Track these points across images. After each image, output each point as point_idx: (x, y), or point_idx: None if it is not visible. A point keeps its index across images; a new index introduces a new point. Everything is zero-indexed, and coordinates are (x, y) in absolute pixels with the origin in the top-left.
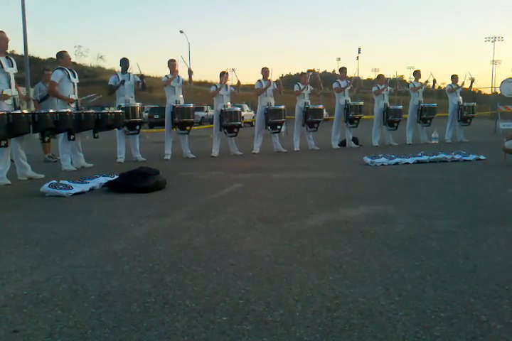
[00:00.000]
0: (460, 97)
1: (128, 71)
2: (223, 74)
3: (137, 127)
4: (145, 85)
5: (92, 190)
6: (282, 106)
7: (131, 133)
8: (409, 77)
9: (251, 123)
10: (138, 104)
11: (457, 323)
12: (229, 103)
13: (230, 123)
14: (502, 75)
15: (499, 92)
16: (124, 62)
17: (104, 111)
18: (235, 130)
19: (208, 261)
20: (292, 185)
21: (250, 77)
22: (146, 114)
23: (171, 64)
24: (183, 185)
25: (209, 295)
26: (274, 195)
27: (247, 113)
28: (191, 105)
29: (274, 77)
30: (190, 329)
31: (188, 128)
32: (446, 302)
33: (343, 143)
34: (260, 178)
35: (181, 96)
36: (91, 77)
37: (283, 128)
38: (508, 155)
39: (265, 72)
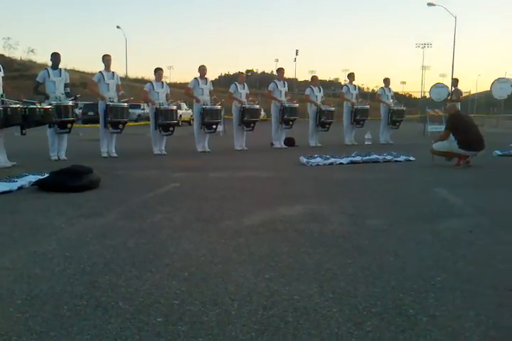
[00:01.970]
0: (391, 101)
1: (59, 67)
2: (158, 71)
3: (69, 126)
4: (72, 96)
5: (20, 188)
6: (219, 107)
7: (62, 132)
8: (343, 79)
9: (189, 122)
10: (70, 102)
11: (387, 318)
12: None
13: (165, 121)
14: (431, 80)
15: (428, 96)
16: (56, 57)
17: (32, 106)
18: (171, 128)
19: (142, 262)
20: (230, 184)
21: (187, 74)
22: (80, 110)
23: (106, 59)
24: (117, 183)
25: (143, 296)
26: (211, 194)
27: (185, 111)
28: (125, 104)
29: (211, 76)
30: (124, 332)
31: (121, 127)
32: (377, 298)
33: (288, 143)
34: (198, 177)
35: (122, 92)
36: (21, 71)
37: (220, 128)
38: (435, 157)
39: (202, 70)
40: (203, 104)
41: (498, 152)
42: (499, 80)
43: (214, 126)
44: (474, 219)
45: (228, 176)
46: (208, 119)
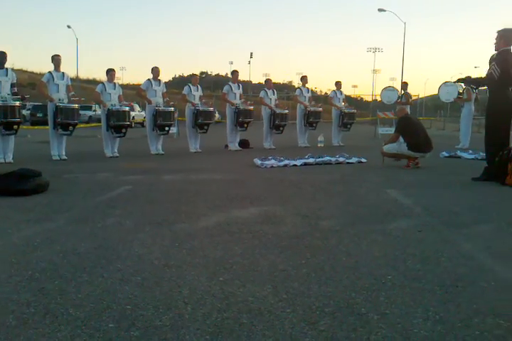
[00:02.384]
0: (343, 104)
1: (5, 66)
2: (110, 72)
3: (15, 127)
4: (20, 96)
5: None
6: (172, 108)
7: (8, 134)
8: (297, 82)
9: (142, 124)
10: (17, 103)
11: (339, 317)
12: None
13: (117, 123)
14: (382, 83)
15: (379, 100)
16: (1, 56)
17: None
18: (123, 130)
19: (93, 267)
20: (183, 186)
21: (140, 76)
22: (28, 111)
23: (55, 59)
24: (67, 187)
25: (94, 302)
26: (164, 196)
27: (137, 113)
28: (76, 105)
29: (165, 77)
30: (74, 339)
31: (71, 129)
32: (330, 298)
33: (243, 145)
34: (151, 180)
35: (72, 93)
36: None
37: (174, 130)
38: (386, 159)
39: (155, 71)
40: (156, 106)
41: (444, 153)
42: (446, 84)
43: (167, 128)
44: (423, 218)
45: (182, 178)
46: (161, 121)
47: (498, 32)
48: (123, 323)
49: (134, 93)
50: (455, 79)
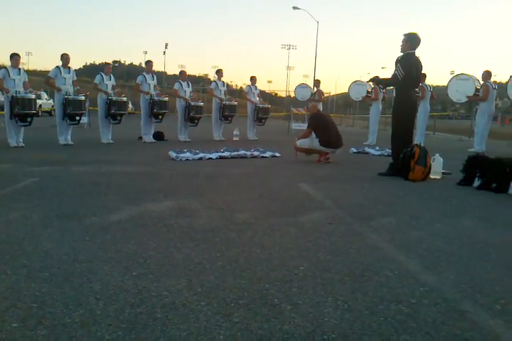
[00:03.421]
0: (257, 99)
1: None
2: (14, 57)
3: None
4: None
5: None
6: (82, 97)
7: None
8: (213, 75)
9: (50, 113)
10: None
11: (254, 308)
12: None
13: (22, 111)
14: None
15: (293, 96)
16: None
17: None
18: (29, 119)
19: None
20: (95, 179)
21: (48, 62)
22: None
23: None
24: None
25: None
26: (74, 189)
27: (45, 101)
28: None
29: (75, 65)
30: None
31: None
32: (244, 290)
33: (158, 137)
34: (59, 172)
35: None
36: None
37: (85, 120)
38: (299, 153)
39: (65, 58)
40: (66, 94)
41: (353, 149)
42: (356, 83)
43: (78, 118)
44: (333, 211)
45: (93, 170)
46: (71, 110)
47: (405, 35)
48: (29, 322)
49: (42, 80)
50: (366, 80)
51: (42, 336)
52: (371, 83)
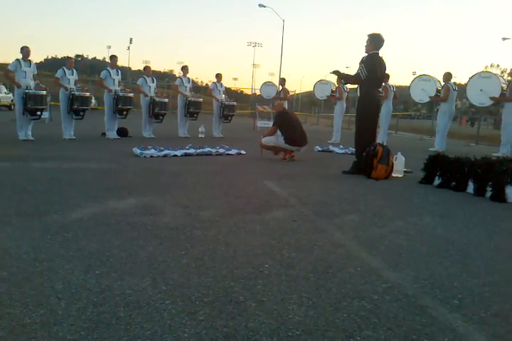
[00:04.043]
0: (223, 96)
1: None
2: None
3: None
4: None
5: None
6: (44, 92)
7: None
8: (178, 72)
9: (9, 107)
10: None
11: (218, 306)
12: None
13: None
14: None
15: (258, 94)
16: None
17: None
18: None
19: None
20: (56, 175)
21: (7, 55)
22: None
23: None
24: None
25: None
26: (34, 186)
27: (4, 95)
28: None
29: (36, 58)
30: None
31: None
32: (209, 287)
33: (122, 133)
34: (19, 168)
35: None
36: None
37: (46, 115)
38: (264, 151)
39: (25, 51)
40: (26, 89)
41: (318, 147)
42: (320, 82)
43: (39, 113)
44: (297, 209)
45: (55, 167)
46: (32, 105)
47: (369, 36)
48: None
49: (1, 74)
50: (330, 71)
51: (0, 338)
52: (335, 82)
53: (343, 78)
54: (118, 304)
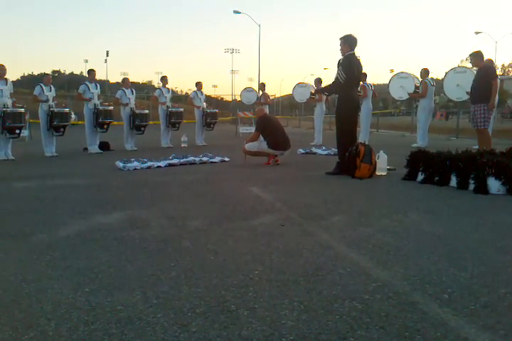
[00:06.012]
0: (204, 104)
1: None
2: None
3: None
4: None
5: None
6: (22, 110)
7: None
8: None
9: None
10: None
11: (211, 316)
12: None
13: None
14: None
15: (239, 100)
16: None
17: None
18: None
19: None
20: (40, 194)
21: None
22: None
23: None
24: None
25: None
26: (17, 206)
27: None
28: None
29: (12, 76)
30: None
31: None
32: (201, 298)
33: (103, 147)
34: (1, 188)
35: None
36: None
37: (25, 133)
38: (247, 156)
39: (1, 69)
40: (3, 107)
41: (301, 150)
42: (299, 85)
43: (18, 131)
44: (284, 213)
45: (37, 185)
46: (10, 123)
47: (341, 38)
48: None
49: None
50: (311, 84)
51: None
52: (313, 85)
53: (325, 92)
54: (109, 321)
